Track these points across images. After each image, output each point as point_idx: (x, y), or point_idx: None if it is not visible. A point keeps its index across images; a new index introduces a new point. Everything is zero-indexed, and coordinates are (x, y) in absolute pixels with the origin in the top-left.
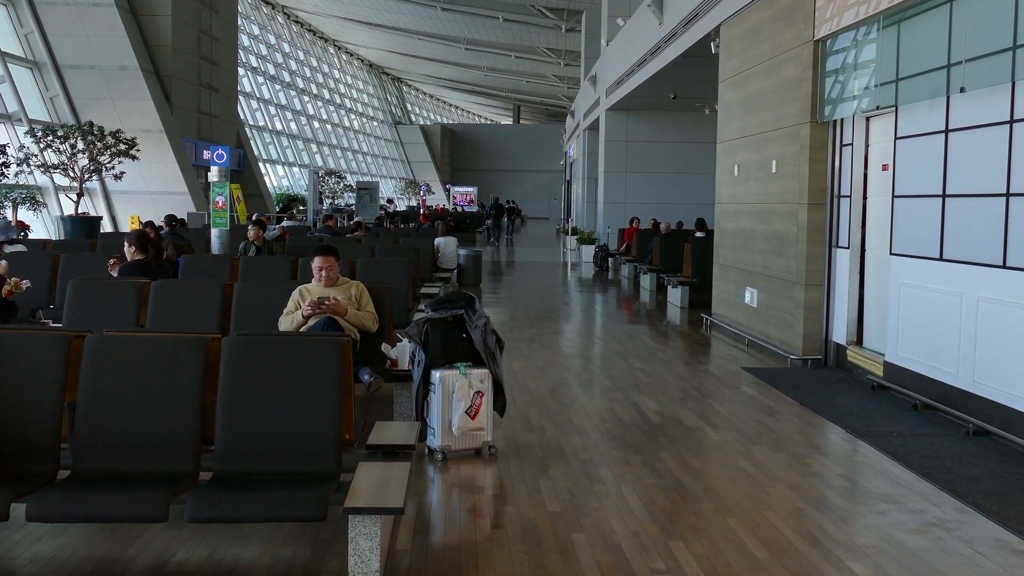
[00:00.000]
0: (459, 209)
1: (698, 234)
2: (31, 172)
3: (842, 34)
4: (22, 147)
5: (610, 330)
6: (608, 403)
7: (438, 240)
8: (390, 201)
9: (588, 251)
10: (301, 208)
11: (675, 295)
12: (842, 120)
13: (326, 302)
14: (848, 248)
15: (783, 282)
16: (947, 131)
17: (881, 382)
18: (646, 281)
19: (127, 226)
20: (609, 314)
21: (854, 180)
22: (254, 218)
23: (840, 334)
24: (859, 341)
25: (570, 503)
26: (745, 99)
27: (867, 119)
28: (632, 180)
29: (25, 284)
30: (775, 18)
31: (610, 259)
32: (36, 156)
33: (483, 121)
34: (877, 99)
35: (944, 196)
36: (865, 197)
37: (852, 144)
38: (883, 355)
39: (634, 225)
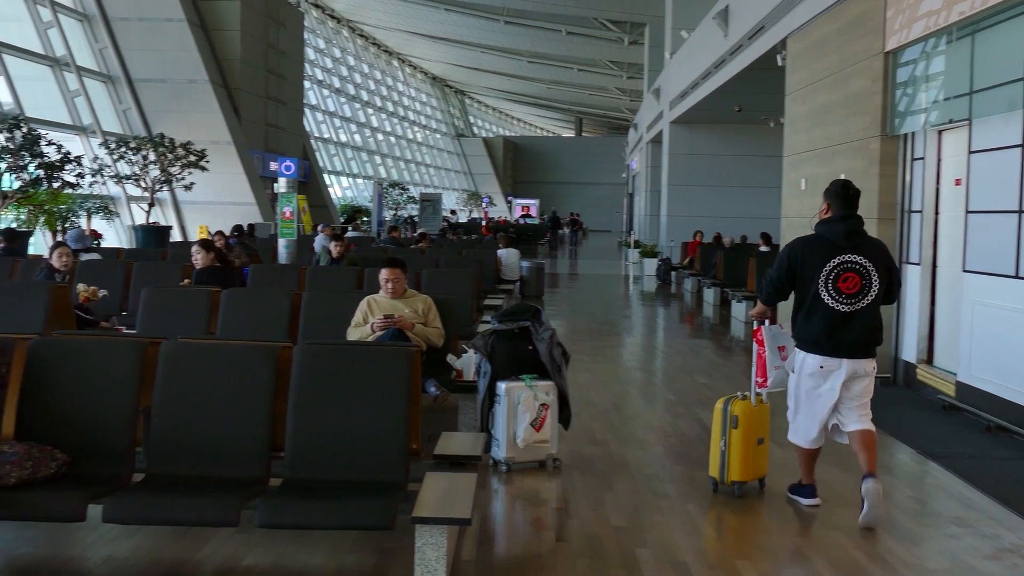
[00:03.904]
0: (523, 221)
1: (763, 248)
2: (104, 183)
3: (912, 46)
4: (96, 158)
5: (673, 344)
6: (672, 418)
7: (500, 252)
8: (453, 212)
9: (650, 264)
10: (365, 219)
11: (739, 310)
12: (913, 133)
13: (393, 317)
14: (919, 264)
15: None
16: None
17: (953, 402)
18: (709, 295)
19: (195, 235)
20: (672, 328)
21: (926, 195)
22: (328, 231)
23: (910, 352)
24: (930, 360)
25: (634, 518)
26: (812, 112)
27: (939, 132)
28: (696, 193)
29: (102, 293)
30: (843, 30)
31: (673, 273)
32: (110, 167)
33: (545, 134)
34: (950, 112)
35: (1021, 212)
36: (937, 212)
37: (924, 158)
38: (955, 374)
39: (697, 239)
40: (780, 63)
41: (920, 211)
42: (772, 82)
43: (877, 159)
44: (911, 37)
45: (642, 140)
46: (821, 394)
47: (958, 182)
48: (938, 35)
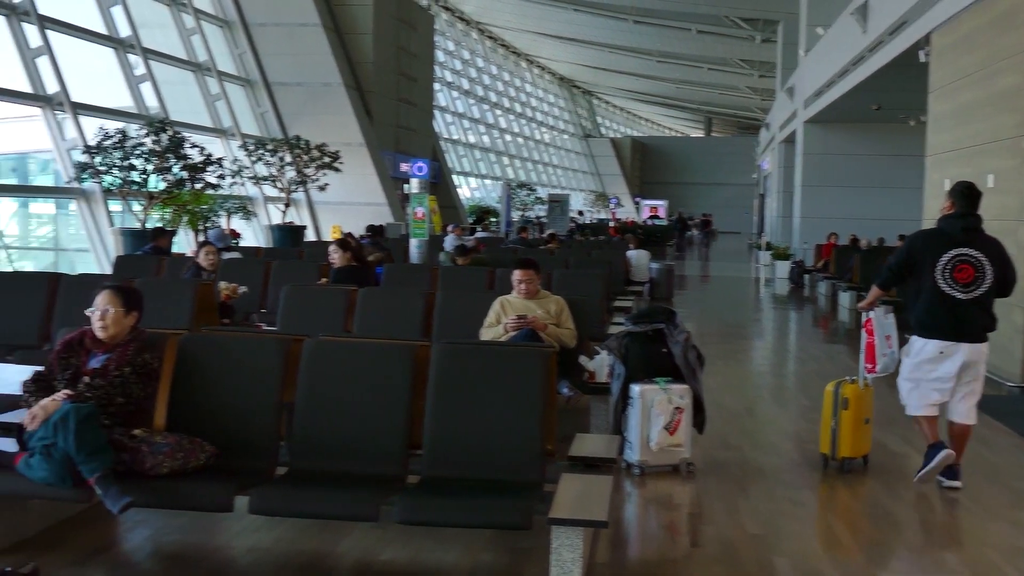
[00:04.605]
0: (650, 223)
1: None
2: (243, 184)
3: None
4: (236, 160)
5: (806, 349)
6: (808, 424)
7: (630, 253)
8: (580, 213)
9: (782, 267)
10: (493, 220)
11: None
12: None
13: (526, 318)
14: None
15: (999, 304)
16: None
17: None
18: (845, 299)
19: (329, 235)
20: (805, 332)
21: None
22: (458, 231)
23: None
24: None
25: (771, 526)
26: (957, 110)
27: None
28: (830, 194)
29: (242, 290)
30: (992, 24)
31: (806, 275)
32: (248, 168)
33: (673, 134)
34: None
35: None
36: None
37: None
38: None
39: (832, 241)
40: (923, 59)
41: None
42: (912, 79)
43: None
44: None
45: (774, 140)
46: (939, 375)
47: None
48: None
